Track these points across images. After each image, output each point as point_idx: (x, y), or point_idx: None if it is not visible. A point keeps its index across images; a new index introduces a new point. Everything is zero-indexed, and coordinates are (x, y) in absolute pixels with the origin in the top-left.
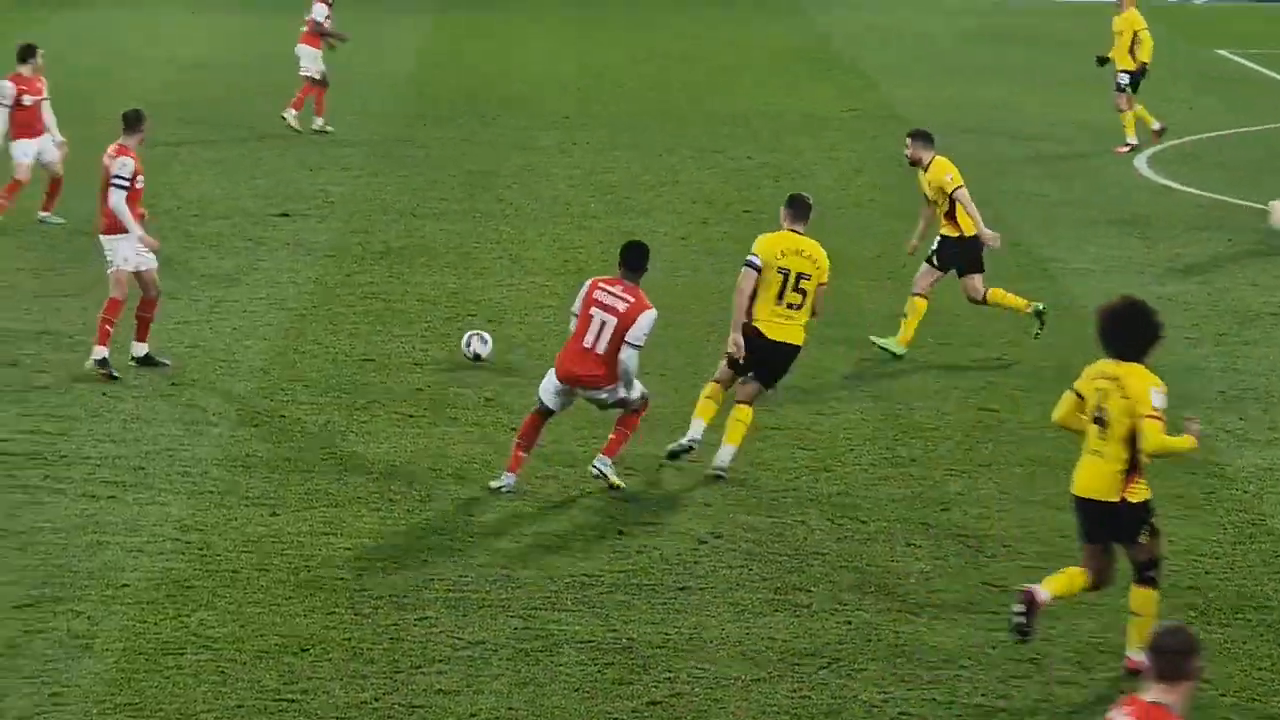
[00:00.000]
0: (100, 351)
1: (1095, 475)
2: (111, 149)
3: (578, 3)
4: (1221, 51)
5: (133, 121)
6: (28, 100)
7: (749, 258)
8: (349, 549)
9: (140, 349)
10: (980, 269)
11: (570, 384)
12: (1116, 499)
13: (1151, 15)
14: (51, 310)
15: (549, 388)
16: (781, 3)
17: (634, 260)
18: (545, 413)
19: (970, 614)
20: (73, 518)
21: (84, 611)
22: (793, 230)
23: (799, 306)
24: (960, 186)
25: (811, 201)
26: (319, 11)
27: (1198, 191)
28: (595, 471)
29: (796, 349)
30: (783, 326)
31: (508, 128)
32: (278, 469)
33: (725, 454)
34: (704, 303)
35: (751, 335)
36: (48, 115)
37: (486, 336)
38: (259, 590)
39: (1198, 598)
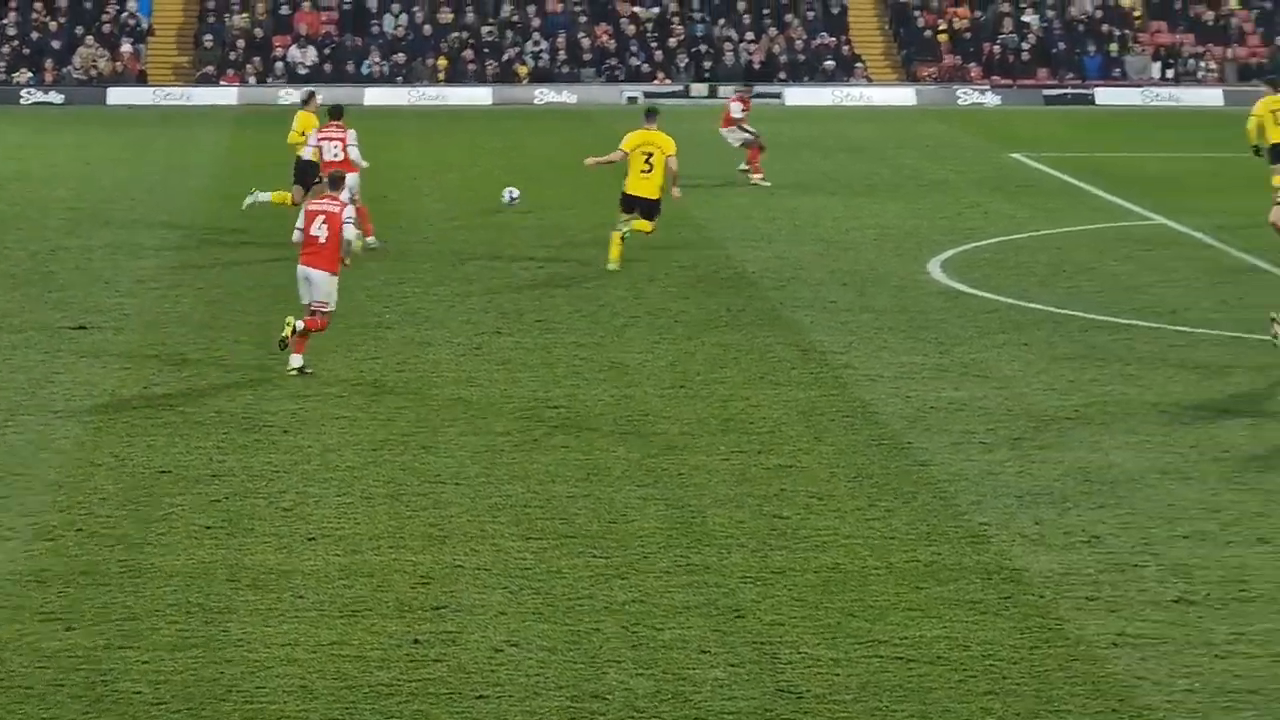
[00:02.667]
0: None
1: None
2: None
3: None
4: (1015, 155)
5: None
6: None
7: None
8: (146, 662)
9: None
10: None
11: None
12: None
13: (946, 119)
14: None
15: None
16: (576, 119)
17: None
18: None
19: None
20: None
21: None
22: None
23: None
24: None
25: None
26: None
27: (992, 296)
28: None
29: None
30: None
31: None
32: (73, 583)
33: None
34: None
35: None
36: None
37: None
38: (54, 707)
39: (995, 702)
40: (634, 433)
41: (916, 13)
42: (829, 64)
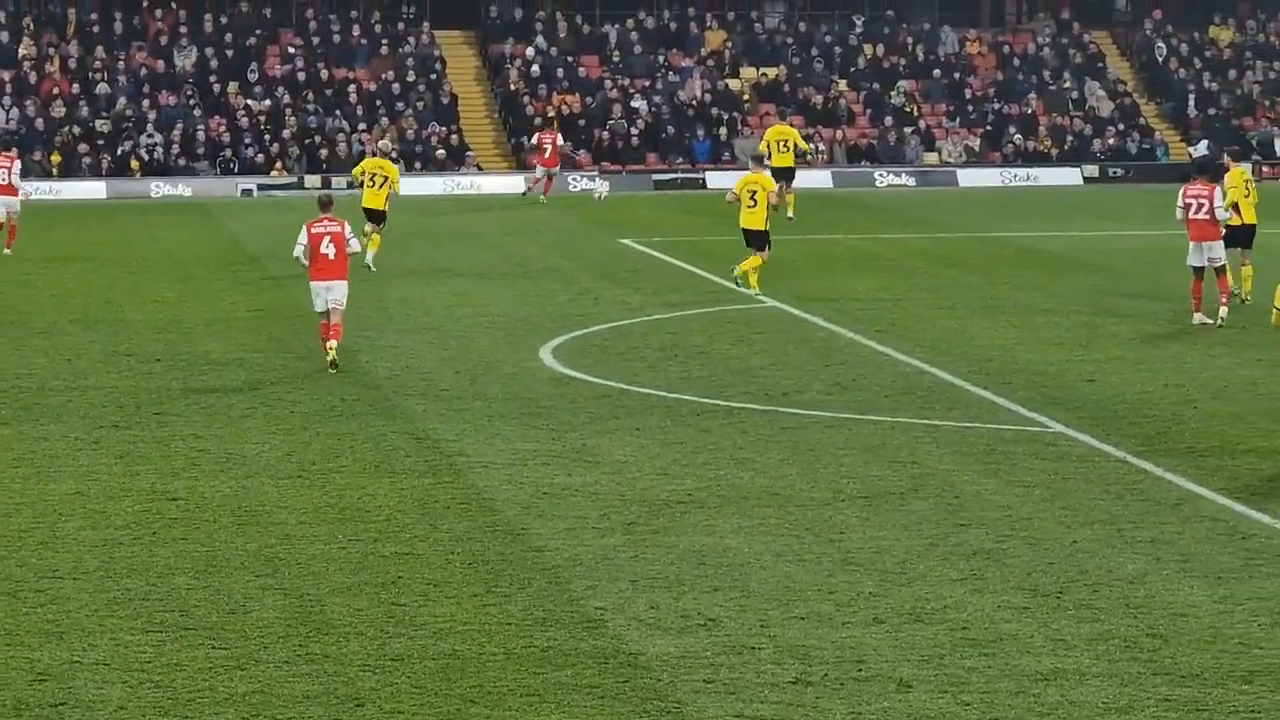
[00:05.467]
0: None
1: None
2: None
3: None
4: (626, 240)
5: None
6: None
7: None
8: None
9: None
10: None
11: None
12: None
13: (563, 206)
14: None
15: None
16: (193, 212)
17: None
18: None
19: None
20: None
21: None
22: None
23: None
24: None
25: None
26: None
27: (603, 381)
28: None
29: None
30: None
31: None
32: None
33: None
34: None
35: None
36: None
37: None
38: None
39: None
40: (252, 523)
41: (525, 100)
42: (440, 153)
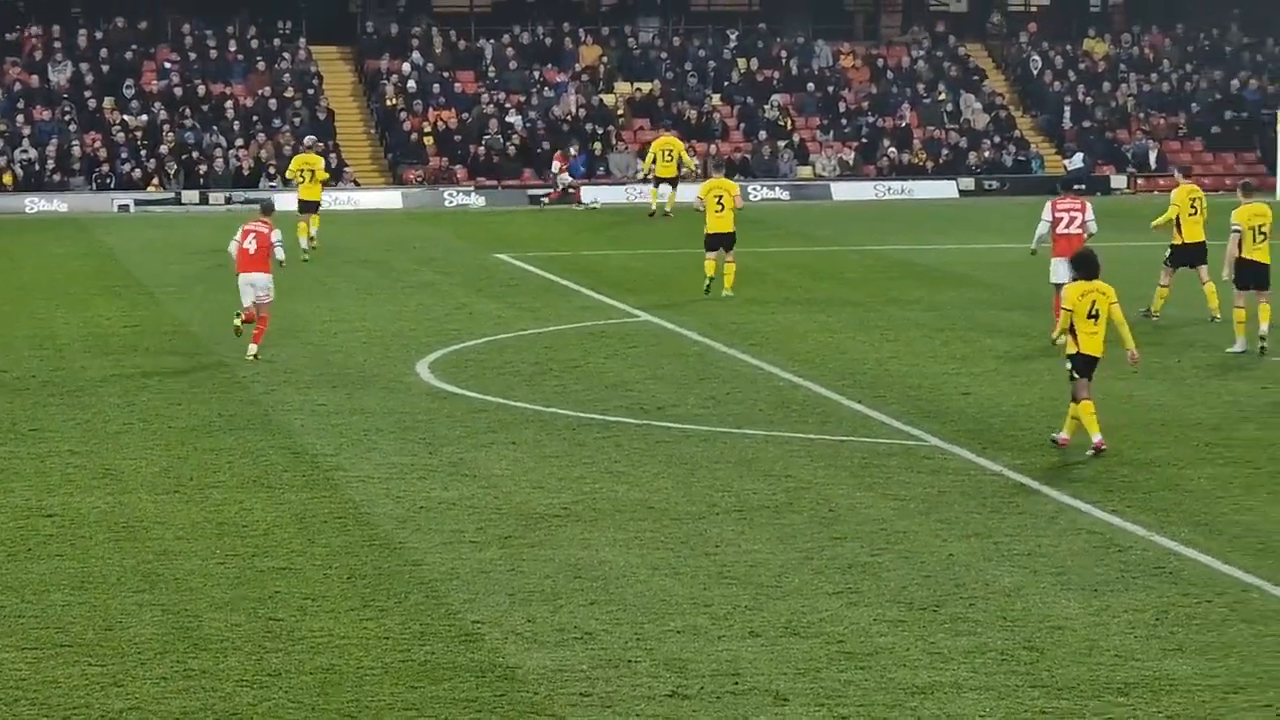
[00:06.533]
0: None
1: None
2: None
3: None
4: (501, 256)
5: None
6: None
7: None
8: None
9: None
10: None
11: None
12: None
13: (433, 221)
14: None
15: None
16: (69, 227)
17: None
18: None
19: None
20: None
21: None
22: None
23: None
24: None
25: None
26: None
27: (479, 396)
28: None
29: None
30: None
31: None
32: None
33: None
34: None
35: None
36: None
37: None
38: None
39: None
40: (129, 539)
41: (402, 115)
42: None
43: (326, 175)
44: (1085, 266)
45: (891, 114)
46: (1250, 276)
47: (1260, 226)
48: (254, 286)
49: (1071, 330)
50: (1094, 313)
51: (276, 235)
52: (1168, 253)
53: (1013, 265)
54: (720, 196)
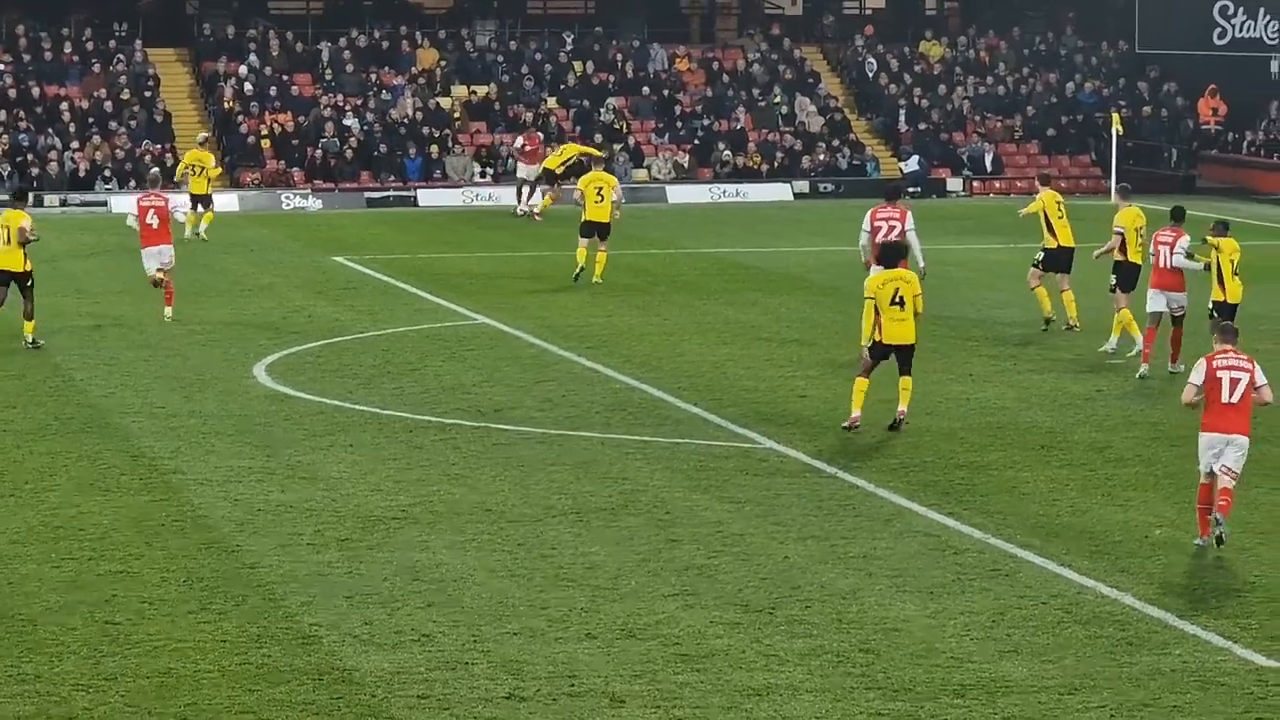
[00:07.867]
0: None
1: None
2: None
3: None
4: (338, 259)
5: None
6: None
7: None
8: None
9: None
10: None
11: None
12: None
13: (270, 224)
14: None
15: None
16: None
17: None
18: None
19: None
20: None
21: None
22: None
23: None
24: None
25: None
26: None
27: (317, 398)
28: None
29: None
30: None
31: None
32: None
33: None
34: None
35: None
36: None
37: None
38: None
39: None
40: (58, 544)
41: (240, 118)
42: (154, 171)
43: (219, 171)
44: (887, 256)
45: (727, 117)
46: (1133, 279)
47: (1140, 230)
48: (160, 255)
49: (877, 317)
50: (897, 299)
51: (172, 202)
52: (1040, 256)
53: (848, 267)
54: (600, 188)
